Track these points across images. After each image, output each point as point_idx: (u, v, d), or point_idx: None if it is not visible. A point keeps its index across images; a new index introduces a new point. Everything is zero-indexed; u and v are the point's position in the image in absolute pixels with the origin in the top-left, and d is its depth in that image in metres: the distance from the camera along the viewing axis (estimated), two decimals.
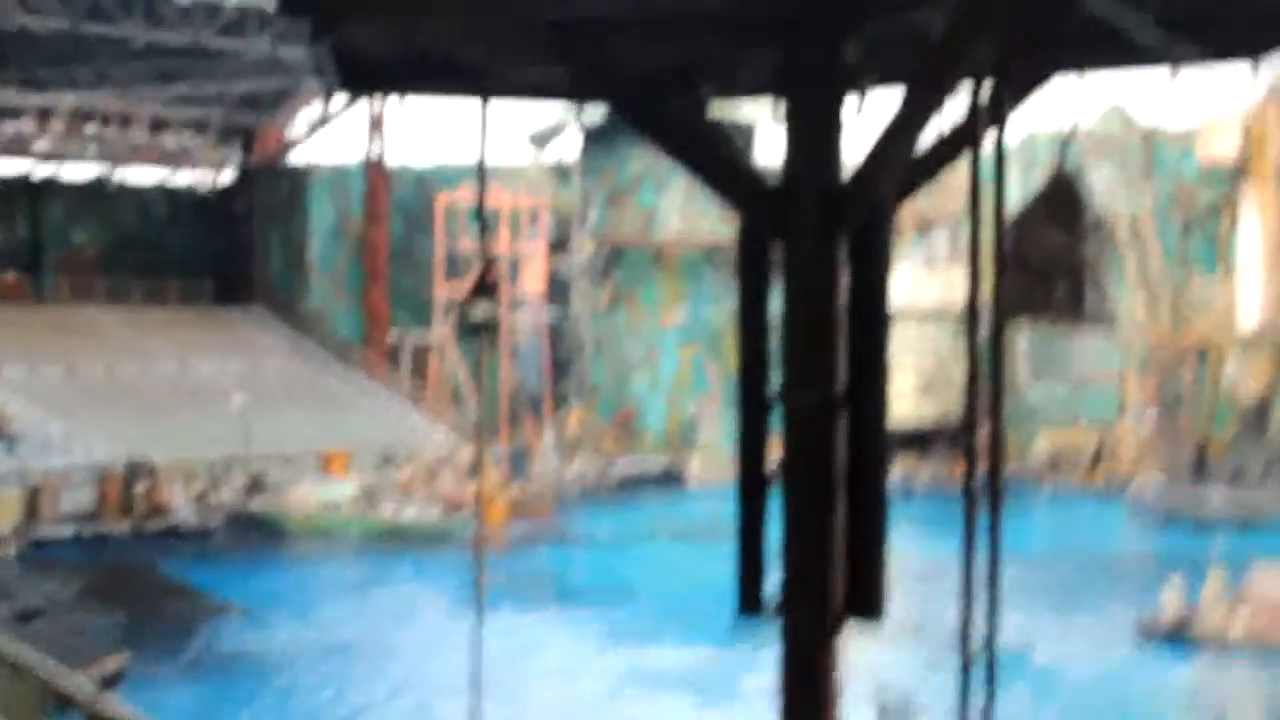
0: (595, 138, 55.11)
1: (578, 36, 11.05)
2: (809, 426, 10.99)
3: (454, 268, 52.44)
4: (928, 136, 11.88)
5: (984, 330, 11.52)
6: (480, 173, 13.98)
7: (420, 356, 54.95)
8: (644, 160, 52.58)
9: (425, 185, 57.84)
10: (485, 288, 12.85)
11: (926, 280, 47.36)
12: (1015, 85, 11.68)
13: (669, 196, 54.68)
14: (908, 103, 11.04)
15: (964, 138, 11.59)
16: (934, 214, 46.54)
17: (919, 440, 45.69)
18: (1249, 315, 43.93)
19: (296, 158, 61.71)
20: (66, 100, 52.77)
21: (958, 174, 12.34)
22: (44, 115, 53.39)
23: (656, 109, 11.88)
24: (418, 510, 42.26)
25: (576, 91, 14.26)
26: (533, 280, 54.58)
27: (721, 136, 12.48)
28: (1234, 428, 43.52)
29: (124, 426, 43.98)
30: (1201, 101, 41.08)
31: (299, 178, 60.43)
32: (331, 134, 62.19)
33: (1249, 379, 43.76)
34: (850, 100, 12.29)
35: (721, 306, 52.62)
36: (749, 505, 9.32)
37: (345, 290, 59.46)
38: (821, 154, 11.76)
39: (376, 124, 58.47)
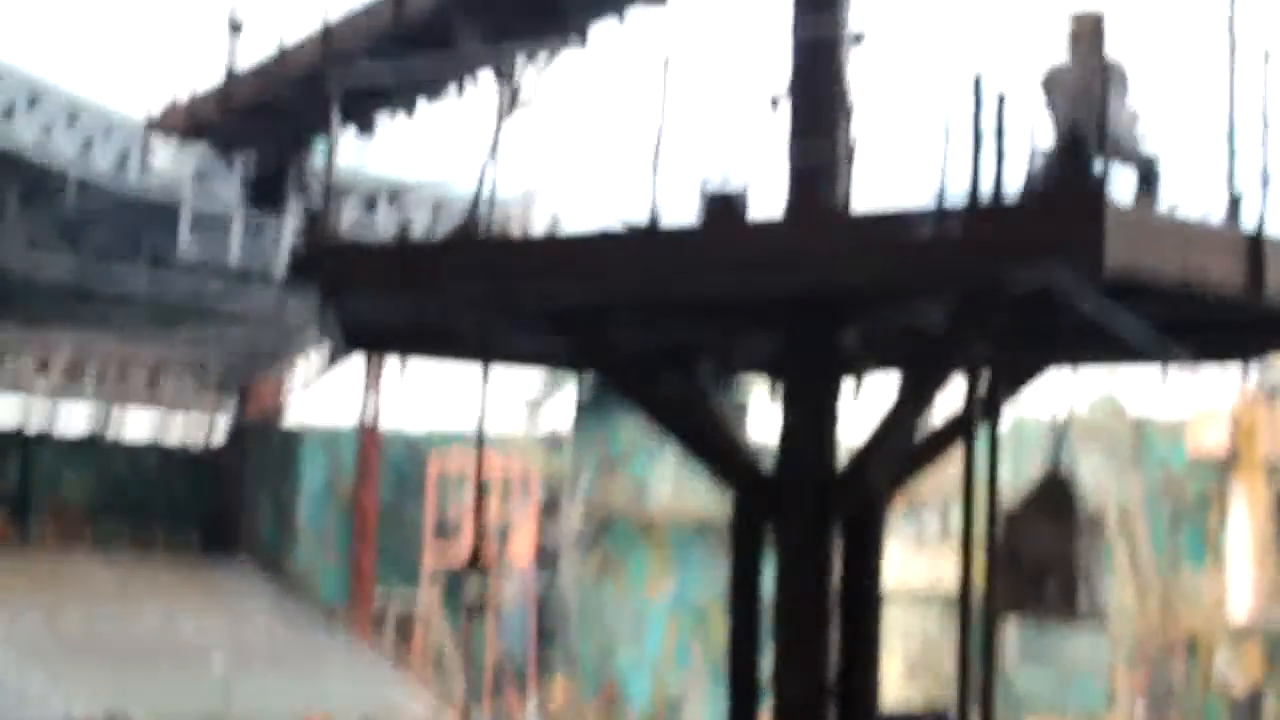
0: (589, 406, 55.40)
1: (577, 316, 11.23)
2: (800, 715, 10.90)
3: (444, 532, 52.27)
4: (924, 425, 12.00)
5: (975, 620, 11.47)
6: (479, 444, 14.07)
7: (405, 620, 54.48)
8: (637, 430, 52.76)
9: (418, 449, 57.96)
10: (478, 566, 12.87)
11: (915, 560, 47.16)
12: (1009, 378, 11.86)
13: (661, 468, 54.74)
14: (904, 392, 11.19)
15: (959, 428, 11.70)
16: (924, 492, 46.51)
17: None
18: (1239, 607, 43.69)
19: (291, 416, 61.95)
20: (66, 344, 53.22)
21: (949, 453, 12.41)
22: (44, 358, 53.88)
23: (652, 386, 12.00)
24: None
25: (573, 364, 14.45)
26: (521, 548, 54.37)
27: (717, 416, 12.58)
28: None
29: (104, 680, 43.36)
30: (1191, 393, 41.39)
31: (292, 438, 60.58)
32: (327, 393, 62.46)
33: (1240, 671, 43.36)
34: (847, 385, 12.43)
35: (711, 582, 52.26)
36: None
37: (333, 550, 59.18)
38: (816, 440, 11.85)
39: (372, 386, 58.83)
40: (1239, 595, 43.87)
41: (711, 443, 12.26)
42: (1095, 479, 41.35)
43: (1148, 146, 10.31)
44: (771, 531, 12.06)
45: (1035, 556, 12.25)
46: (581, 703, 53.94)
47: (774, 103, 11.57)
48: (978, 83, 9.63)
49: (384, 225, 45.27)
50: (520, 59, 15.45)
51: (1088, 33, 10.18)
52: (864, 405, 12.45)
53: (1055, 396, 13.49)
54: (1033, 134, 9.82)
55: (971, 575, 11.45)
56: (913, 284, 9.78)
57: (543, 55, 15.66)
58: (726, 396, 14.84)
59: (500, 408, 56.21)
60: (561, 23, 15.46)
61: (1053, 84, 10.05)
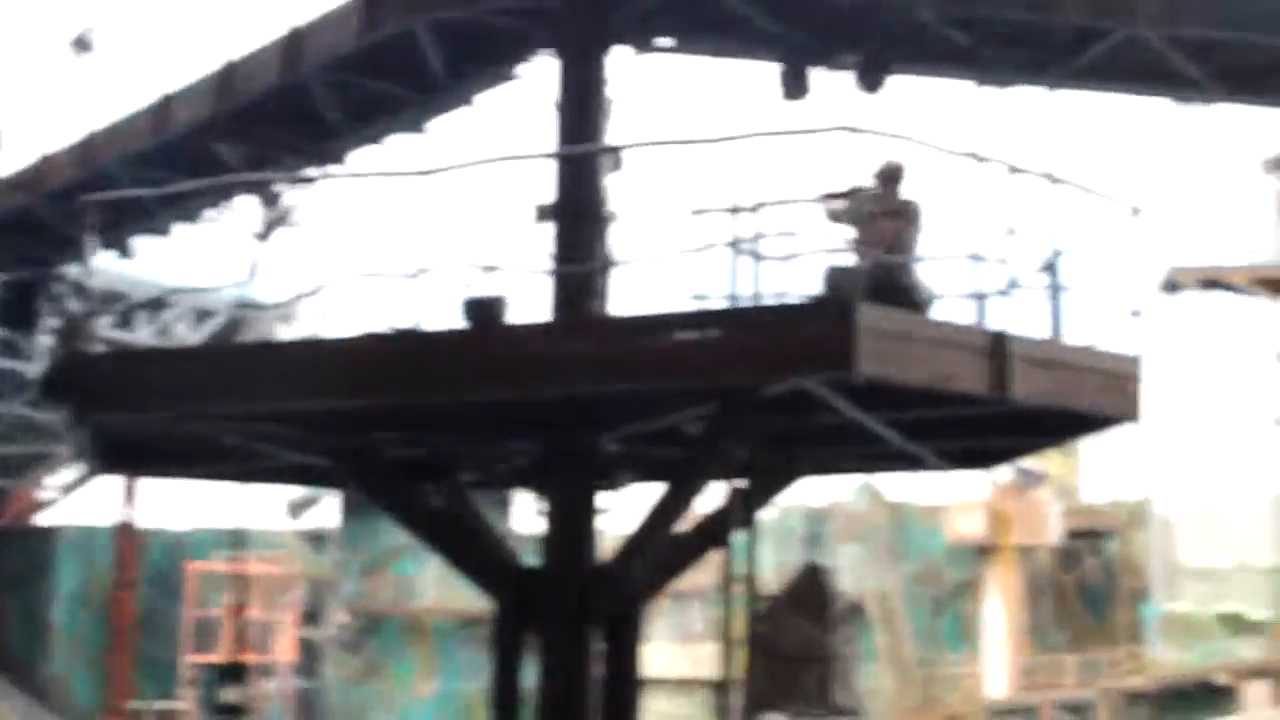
0: (353, 507, 54.84)
1: (336, 426, 11.17)
2: None
3: (203, 633, 51.10)
4: (683, 525, 12.16)
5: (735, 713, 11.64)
6: (235, 546, 13.88)
7: None
8: (401, 531, 52.26)
9: (177, 550, 56.68)
10: (237, 672, 12.67)
11: (680, 651, 47.47)
12: (766, 482, 12.08)
13: (428, 566, 54.34)
14: (663, 497, 11.33)
15: (716, 529, 11.91)
16: (687, 586, 46.83)
17: None
18: (996, 688, 44.68)
19: (47, 518, 60.21)
20: None
21: (710, 550, 12.58)
22: None
23: (412, 498, 12.00)
24: None
25: (333, 478, 14.33)
26: (284, 648, 53.43)
27: (478, 522, 12.60)
28: None
29: None
30: (949, 482, 42.38)
31: (44, 539, 58.80)
32: (83, 495, 60.86)
33: None
34: (611, 488, 12.56)
35: (477, 676, 51.91)
36: None
37: (89, 656, 57.48)
38: (576, 542, 11.96)
39: (129, 491, 57.47)
40: (995, 676, 44.89)
41: (472, 550, 12.29)
42: (855, 567, 42.12)
43: (925, 280, 10.69)
44: (534, 630, 12.14)
45: (792, 650, 12.45)
46: None
47: (540, 214, 11.71)
48: (736, 197, 9.86)
49: (143, 337, 44.40)
50: (282, 179, 15.43)
51: (890, 174, 10.65)
52: (627, 506, 12.59)
53: (816, 487, 13.78)
54: (794, 247, 10.07)
55: (731, 669, 11.61)
56: (670, 387, 9.92)
57: (304, 176, 15.65)
58: (488, 494, 14.88)
59: (264, 505, 55.37)
60: (322, 147, 15.49)
61: (846, 213, 10.49)
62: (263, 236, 13.07)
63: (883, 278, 10.05)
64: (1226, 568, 44.62)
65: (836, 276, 9.62)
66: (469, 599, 53.37)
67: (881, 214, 10.46)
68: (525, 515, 13.32)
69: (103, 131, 17.38)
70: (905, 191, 10.69)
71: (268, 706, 53.43)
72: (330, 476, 13.51)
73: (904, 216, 10.56)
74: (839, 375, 9.23)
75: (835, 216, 10.44)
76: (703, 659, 46.28)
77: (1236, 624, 43.67)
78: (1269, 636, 41.75)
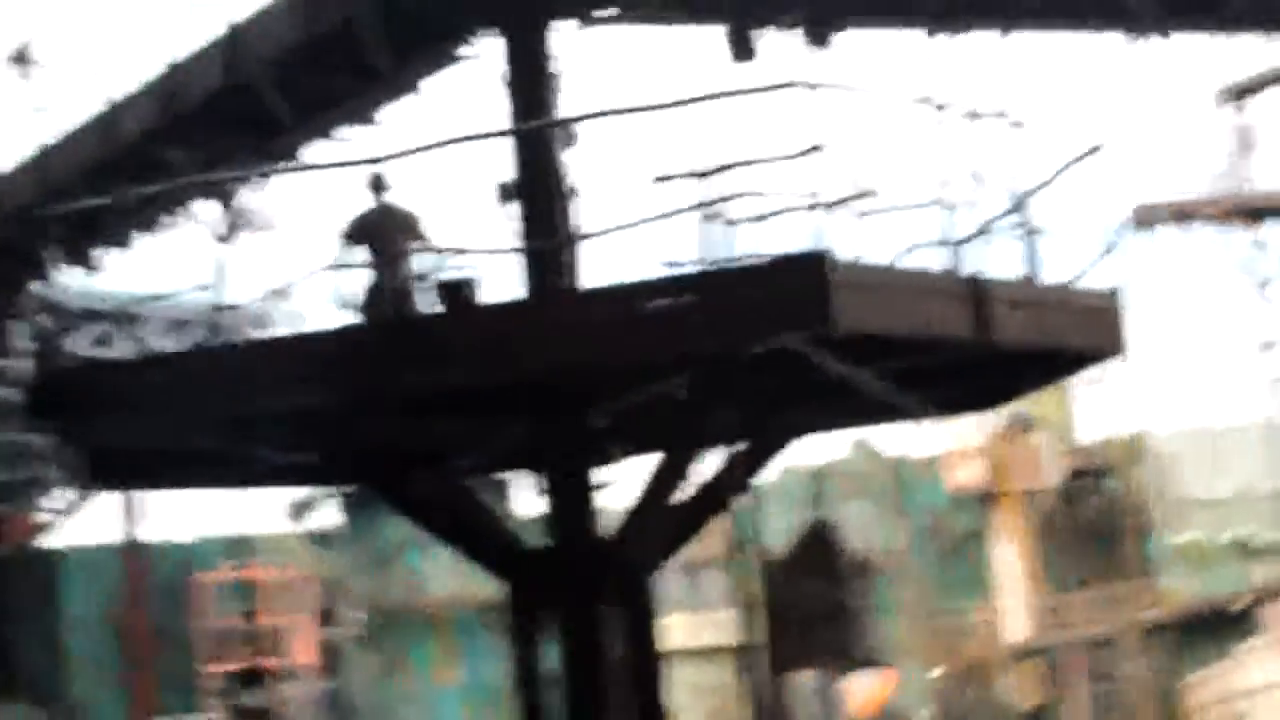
0: (355, 504, 54.79)
1: (321, 422, 11.15)
2: None
3: (222, 644, 51.02)
4: (685, 493, 12.15)
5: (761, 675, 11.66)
6: (241, 554, 13.86)
7: None
8: (406, 524, 52.22)
9: (185, 563, 56.62)
10: (253, 677, 12.67)
11: (701, 623, 47.53)
12: (760, 447, 12.06)
13: (436, 557, 54.30)
14: (660, 467, 11.33)
15: (718, 495, 11.91)
16: (700, 557, 46.83)
17: None
18: (1014, 631, 44.75)
19: (48, 541, 60.08)
20: None
21: (715, 517, 12.59)
22: None
23: (408, 487, 11.99)
24: None
25: (327, 475, 14.33)
26: (303, 652, 53.40)
27: (478, 506, 12.59)
28: None
29: None
30: (945, 431, 42.28)
31: (51, 563, 58.66)
32: (87, 514, 60.80)
33: (1023, 692, 44.40)
34: (606, 466, 12.54)
35: (500, 662, 51.84)
36: None
37: (109, 677, 57.43)
38: (580, 521, 11.96)
39: (129, 508, 57.34)
40: (1014, 620, 44.94)
41: (474, 535, 12.28)
42: (860, 524, 42.12)
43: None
44: (547, 610, 12.14)
45: (808, 608, 12.48)
46: None
47: (503, 192, 11.69)
48: (697, 162, 9.84)
49: (121, 350, 44.33)
50: (232, 178, 15.38)
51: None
52: (627, 478, 12.59)
53: (812, 448, 13.75)
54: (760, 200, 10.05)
55: (751, 634, 11.61)
56: (651, 355, 9.90)
57: (255, 172, 15.58)
58: (485, 477, 14.91)
59: (266, 511, 55.33)
60: (275, 145, 15.41)
61: (363, 231, 11.09)
62: (224, 239, 13.05)
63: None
64: (1228, 496, 44.77)
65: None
66: (481, 585, 53.45)
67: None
68: (525, 498, 13.36)
69: (54, 146, 17.28)
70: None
71: (292, 711, 53.41)
72: (325, 473, 13.50)
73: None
74: (818, 331, 9.21)
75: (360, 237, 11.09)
76: (724, 626, 46.30)
77: (1245, 550, 43.85)
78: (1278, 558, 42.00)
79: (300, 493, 56.80)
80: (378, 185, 11.70)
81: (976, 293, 10.21)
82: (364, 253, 11.51)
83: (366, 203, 11.77)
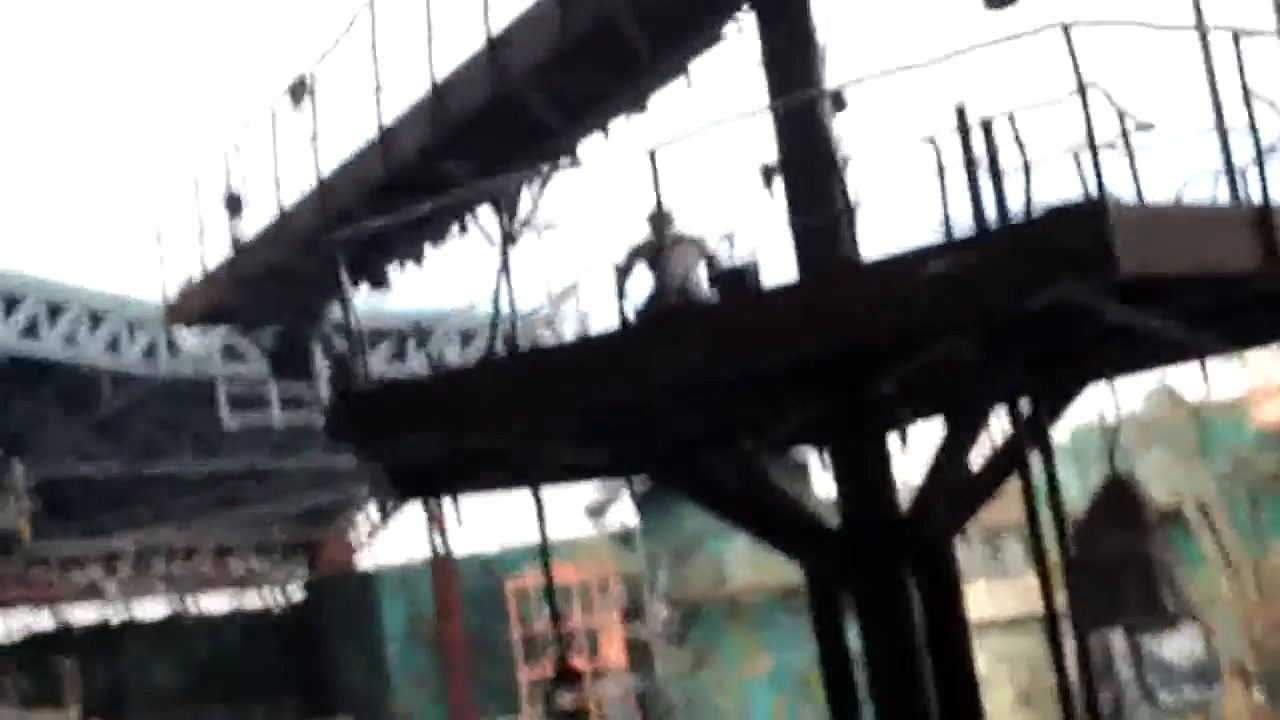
0: (649, 500, 55.27)
1: (613, 416, 11.28)
2: None
3: (534, 649, 52.00)
4: (978, 457, 12.00)
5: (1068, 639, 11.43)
6: (544, 558, 14.08)
7: None
8: (701, 514, 52.48)
9: (492, 572, 57.84)
10: (568, 677, 12.86)
11: (1006, 588, 46.73)
12: (1052, 400, 11.83)
13: (734, 545, 54.55)
14: (950, 432, 11.22)
15: (1011, 457, 11.69)
16: (999, 523, 46.16)
17: None
18: None
19: (363, 562, 62.05)
20: (129, 544, 53.36)
21: (1017, 480, 12.38)
22: (110, 559, 53.89)
23: (699, 473, 12.03)
24: None
25: (618, 468, 14.45)
26: (612, 650, 54.11)
27: (771, 488, 12.58)
28: None
29: None
30: (1244, 370, 40.98)
31: (367, 583, 60.57)
32: (395, 532, 62.57)
33: None
34: (895, 436, 12.46)
35: (806, 648, 51.84)
36: None
37: (427, 688, 59.01)
38: (874, 493, 11.89)
39: (435, 520, 58.84)
40: None
41: (771, 517, 12.29)
42: (1162, 474, 40.96)
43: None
44: (848, 589, 12.09)
45: (1111, 562, 12.18)
46: None
47: (767, 174, 11.68)
48: (962, 114, 9.69)
49: (416, 365, 45.54)
50: (515, 186, 15.53)
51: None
52: (916, 450, 12.49)
53: (1107, 399, 13.40)
54: (1024, 159, 9.87)
55: (1054, 596, 11.41)
56: (935, 321, 9.80)
57: (537, 178, 15.73)
58: (782, 460, 14.92)
59: (565, 514, 56.22)
60: (548, 146, 15.55)
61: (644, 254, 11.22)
62: (508, 245, 13.27)
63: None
64: None
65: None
66: (781, 571, 53.49)
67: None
68: (825, 479, 13.31)
69: (333, 174, 17.70)
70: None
71: (607, 710, 54.14)
72: (619, 467, 13.64)
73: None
74: (1101, 278, 9.02)
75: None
76: (1029, 593, 45.50)
77: None
78: None
79: (595, 494, 57.62)
80: (658, 221, 11.84)
81: (1263, 220, 9.89)
82: (648, 271, 11.64)
83: (647, 231, 11.90)
